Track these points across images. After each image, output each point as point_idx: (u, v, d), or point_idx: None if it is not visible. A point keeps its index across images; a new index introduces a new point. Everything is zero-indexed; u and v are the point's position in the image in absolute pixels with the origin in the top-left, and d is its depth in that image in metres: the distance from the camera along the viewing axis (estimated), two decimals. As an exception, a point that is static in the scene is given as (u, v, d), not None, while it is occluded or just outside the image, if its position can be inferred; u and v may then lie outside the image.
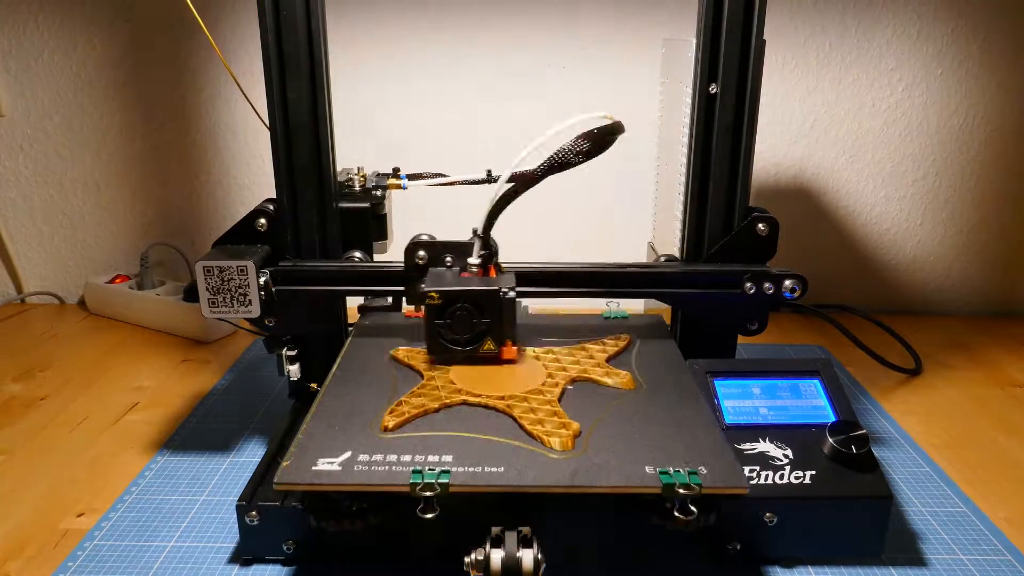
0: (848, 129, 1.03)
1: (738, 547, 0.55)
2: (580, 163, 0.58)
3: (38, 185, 1.07)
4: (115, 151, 1.06)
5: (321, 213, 0.67)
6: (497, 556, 0.46)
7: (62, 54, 1.02)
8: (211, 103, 1.04)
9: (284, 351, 0.68)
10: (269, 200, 0.68)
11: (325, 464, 0.48)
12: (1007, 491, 0.66)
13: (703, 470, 0.47)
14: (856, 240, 1.08)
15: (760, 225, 0.65)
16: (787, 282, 0.64)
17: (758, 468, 0.55)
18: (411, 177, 0.71)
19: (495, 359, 0.61)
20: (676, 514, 0.46)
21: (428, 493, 0.45)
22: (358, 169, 0.71)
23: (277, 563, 0.56)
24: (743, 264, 0.66)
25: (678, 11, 0.98)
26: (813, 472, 0.55)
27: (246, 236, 0.66)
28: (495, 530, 0.47)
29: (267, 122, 0.64)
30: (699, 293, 0.65)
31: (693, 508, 0.46)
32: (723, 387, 0.62)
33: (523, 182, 0.59)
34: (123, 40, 1.01)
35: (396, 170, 0.72)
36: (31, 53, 1.02)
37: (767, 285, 0.64)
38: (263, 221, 0.65)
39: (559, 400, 0.56)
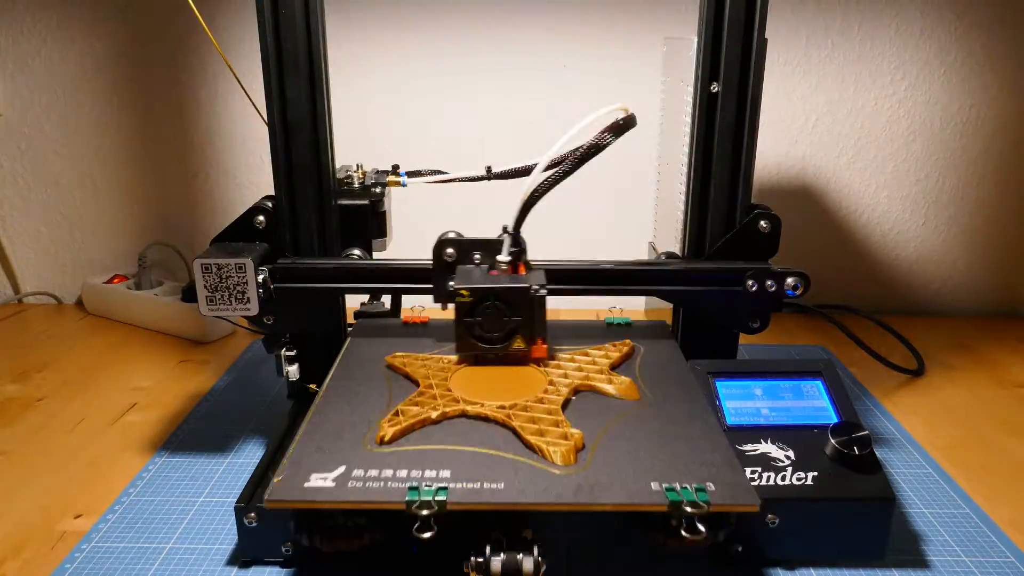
0: (850, 128, 1.03)
1: (740, 549, 0.54)
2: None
3: (36, 185, 1.07)
4: (113, 150, 1.06)
5: (320, 210, 0.66)
6: (497, 561, 0.45)
7: (60, 52, 1.01)
8: (209, 102, 1.03)
9: (283, 351, 0.68)
10: (268, 197, 0.67)
11: (318, 480, 0.46)
12: (1010, 492, 0.66)
13: (711, 486, 0.45)
14: (858, 240, 1.07)
15: (762, 222, 0.65)
16: (789, 279, 0.64)
17: (760, 469, 0.55)
18: (410, 174, 0.71)
19: (525, 357, 0.60)
20: (683, 533, 0.44)
21: (425, 512, 0.43)
22: (357, 166, 0.71)
23: (276, 565, 0.55)
24: (745, 261, 0.65)
25: (679, 10, 0.98)
26: (815, 473, 0.54)
27: (244, 233, 0.66)
28: (496, 535, 0.47)
29: (266, 118, 0.64)
30: (701, 290, 0.65)
31: (701, 527, 0.44)
32: (724, 388, 0.61)
33: (553, 178, 0.59)
34: (121, 38, 1.01)
35: (395, 167, 0.72)
36: (28, 51, 1.01)
37: (769, 282, 0.64)
38: (261, 218, 0.65)
39: (563, 409, 0.54)
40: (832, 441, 0.55)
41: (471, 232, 0.64)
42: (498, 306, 0.58)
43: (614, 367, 0.61)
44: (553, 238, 1.03)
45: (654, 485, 0.46)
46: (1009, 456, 0.71)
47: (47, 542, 0.58)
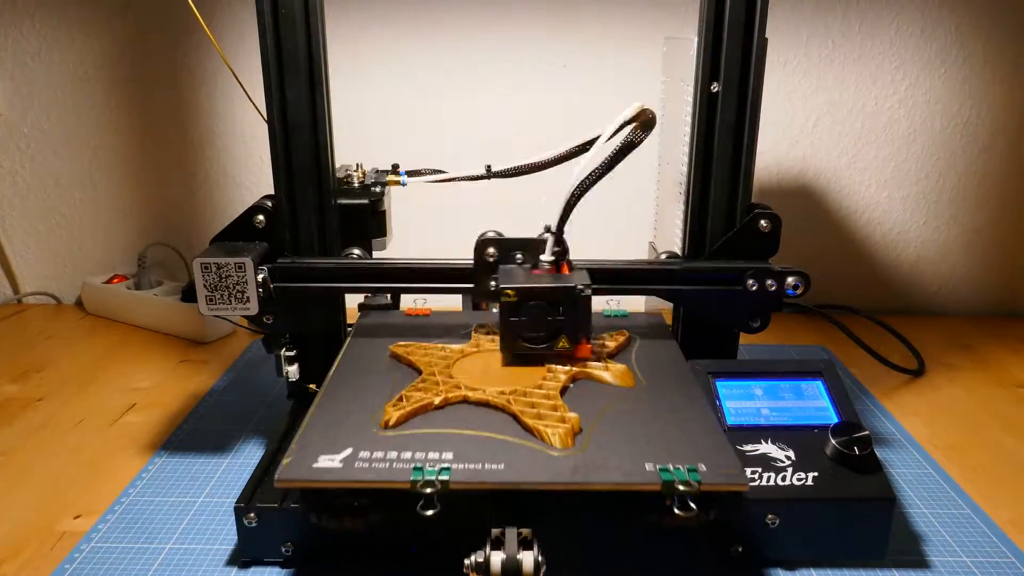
0: (851, 128, 1.02)
1: (740, 549, 0.54)
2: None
3: (35, 184, 1.07)
4: (112, 150, 1.06)
5: (320, 210, 0.66)
6: (497, 558, 0.45)
7: (59, 52, 1.01)
8: (209, 102, 1.03)
9: (283, 351, 0.68)
10: (267, 197, 0.67)
11: (326, 461, 0.48)
12: (1011, 493, 0.66)
13: (703, 467, 0.47)
14: (859, 240, 1.07)
15: (762, 222, 0.65)
16: (789, 279, 0.64)
17: (760, 469, 0.55)
18: (410, 174, 0.71)
19: (570, 357, 0.60)
20: (676, 511, 0.46)
21: (428, 490, 0.45)
22: (357, 166, 0.71)
23: (275, 565, 0.55)
24: (745, 261, 0.65)
25: (679, 10, 0.98)
26: (815, 474, 0.54)
27: (244, 233, 0.65)
28: (495, 531, 0.47)
29: (266, 117, 0.63)
30: (701, 290, 0.65)
31: (692, 505, 0.46)
32: (725, 388, 0.61)
33: (593, 176, 0.59)
34: (121, 38, 1.01)
35: (395, 167, 0.72)
36: (28, 51, 1.01)
37: (769, 282, 0.64)
38: (261, 217, 0.65)
39: (561, 395, 0.56)
40: (832, 441, 0.55)
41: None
42: (542, 306, 0.58)
43: (611, 356, 0.63)
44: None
45: (648, 466, 0.47)
46: (1009, 456, 0.71)
47: (47, 542, 0.58)
